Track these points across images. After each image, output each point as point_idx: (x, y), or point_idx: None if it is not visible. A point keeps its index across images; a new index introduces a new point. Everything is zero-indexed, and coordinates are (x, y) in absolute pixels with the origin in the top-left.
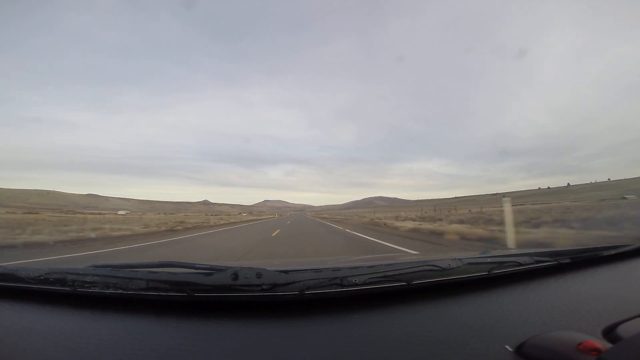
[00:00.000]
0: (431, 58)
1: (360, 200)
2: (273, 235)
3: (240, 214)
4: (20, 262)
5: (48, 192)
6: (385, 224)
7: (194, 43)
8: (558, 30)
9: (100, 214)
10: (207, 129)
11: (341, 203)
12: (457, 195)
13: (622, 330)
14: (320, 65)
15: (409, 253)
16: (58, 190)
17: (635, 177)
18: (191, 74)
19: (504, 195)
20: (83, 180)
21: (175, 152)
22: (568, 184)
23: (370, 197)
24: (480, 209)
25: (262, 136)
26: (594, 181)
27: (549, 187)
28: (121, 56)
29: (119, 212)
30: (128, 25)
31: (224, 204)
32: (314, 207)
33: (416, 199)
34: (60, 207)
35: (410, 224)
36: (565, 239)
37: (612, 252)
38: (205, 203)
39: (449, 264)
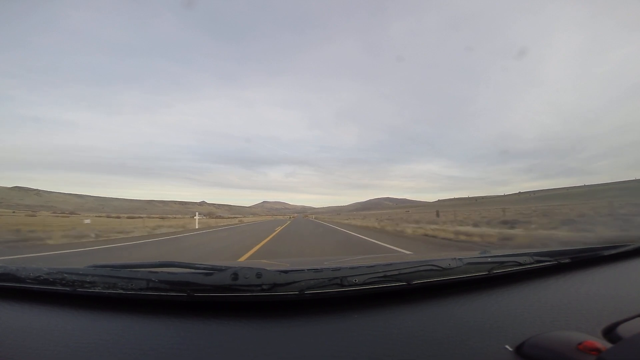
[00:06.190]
0: (434, 58)
1: (366, 201)
2: None
3: (195, 215)
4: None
5: None
6: None
7: (194, 42)
8: (562, 31)
9: None
10: (208, 129)
11: (346, 204)
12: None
13: (622, 330)
14: (322, 65)
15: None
16: None
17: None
18: (191, 74)
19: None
20: (80, 181)
21: (175, 153)
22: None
23: (378, 198)
24: None
25: (263, 137)
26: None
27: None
28: (121, 55)
29: None
30: (128, 24)
31: (213, 204)
32: (315, 208)
33: (434, 200)
34: None
35: None
36: None
37: (612, 251)
38: (202, 204)
39: (449, 264)
